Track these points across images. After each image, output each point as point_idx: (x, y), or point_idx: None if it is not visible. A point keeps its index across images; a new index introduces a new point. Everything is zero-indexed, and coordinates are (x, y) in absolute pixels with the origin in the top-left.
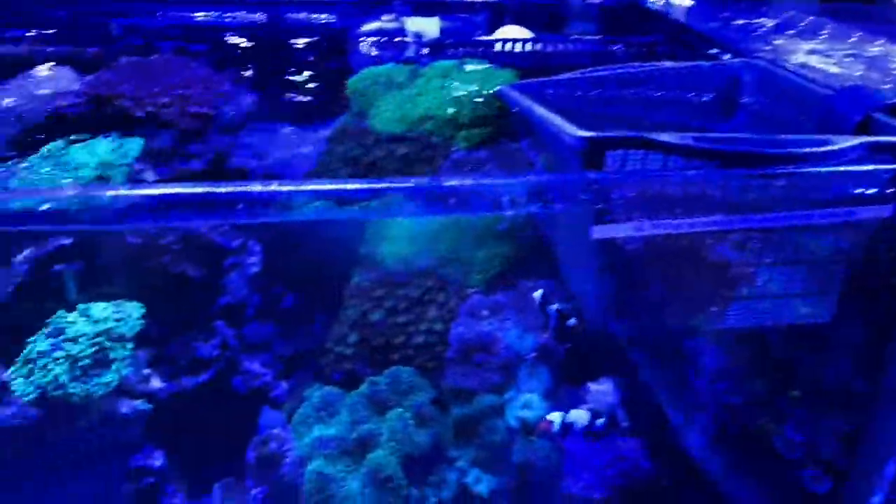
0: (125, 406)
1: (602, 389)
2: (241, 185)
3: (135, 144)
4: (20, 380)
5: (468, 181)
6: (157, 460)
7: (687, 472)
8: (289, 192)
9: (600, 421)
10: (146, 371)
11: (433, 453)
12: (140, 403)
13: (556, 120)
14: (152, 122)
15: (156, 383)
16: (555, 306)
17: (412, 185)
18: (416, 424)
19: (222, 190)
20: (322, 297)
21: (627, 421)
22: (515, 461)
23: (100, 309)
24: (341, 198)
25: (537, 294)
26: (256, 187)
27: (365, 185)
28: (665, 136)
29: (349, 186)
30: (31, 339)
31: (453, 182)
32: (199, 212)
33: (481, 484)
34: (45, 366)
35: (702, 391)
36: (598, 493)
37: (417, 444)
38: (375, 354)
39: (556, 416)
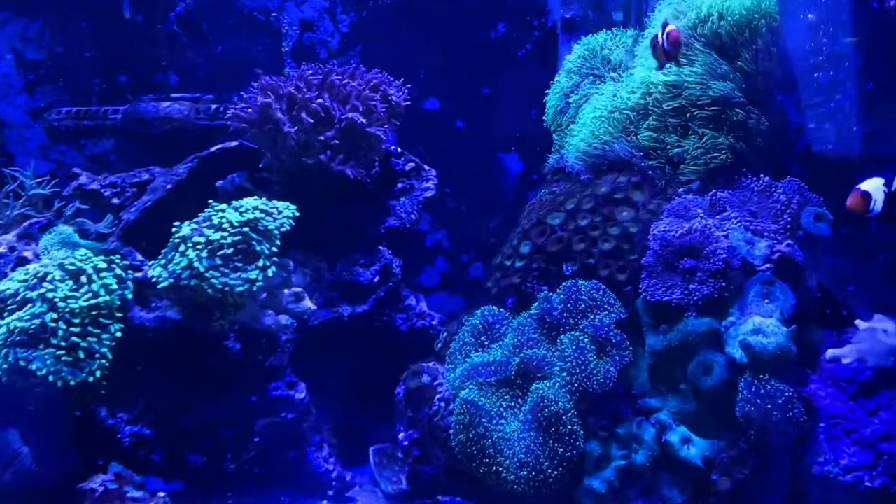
0: (269, 320)
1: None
2: None
3: None
4: (158, 267)
5: None
6: (300, 393)
7: None
8: None
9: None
10: (296, 288)
11: (620, 396)
12: (286, 321)
13: None
14: None
15: (308, 304)
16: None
17: None
18: (595, 352)
19: None
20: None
21: None
22: (740, 415)
23: (249, 202)
24: None
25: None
26: None
27: None
28: None
29: None
30: (177, 224)
31: None
32: None
33: (691, 448)
34: (183, 251)
35: None
36: (875, 480)
37: (597, 379)
38: (550, 266)
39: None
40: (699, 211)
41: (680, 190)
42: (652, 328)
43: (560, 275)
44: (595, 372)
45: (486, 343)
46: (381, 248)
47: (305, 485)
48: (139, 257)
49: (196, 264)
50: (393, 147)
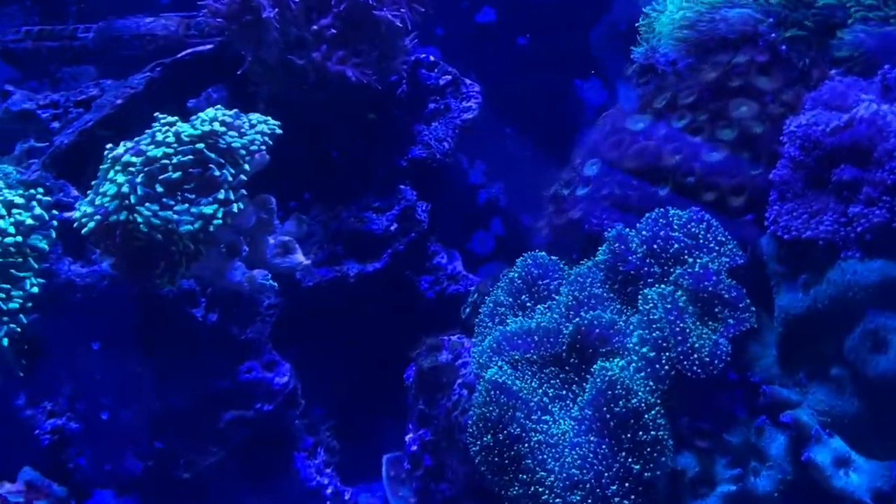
0: (238, 275)
1: None
2: None
3: None
4: (84, 204)
5: None
6: (282, 376)
7: None
8: None
9: None
10: (283, 237)
11: (731, 384)
12: (263, 278)
13: None
14: None
15: (299, 258)
16: None
17: None
18: (696, 316)
19: None
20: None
21: None
22: None
23: (208, 112)
24: None
25: None
26: None
27: None
28: None
29: None
30: (109, 146)
31: None
32: None
33: (851, 474)
34: (112, 178)
35: None
36: None
37: (699, 357)
38: (628, 191)
39: None
40: (865, 97)
41: (833, 72)
42: (786, 279)
43: (643, 204)
44: (696, 346)
45: (528, 304)
46: (401, 186)
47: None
48: (74, 193)
49: (125, 191)
50: (424, 56)
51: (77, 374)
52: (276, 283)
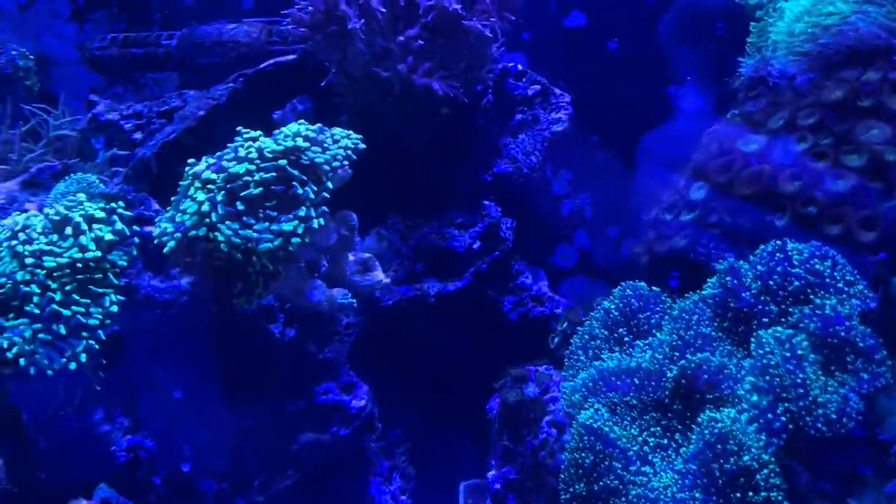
0: (319, 294)
1: None
2: None
3: None
4: (164, 221)
5: None
6: (360, 399)
7: None
8: None
9: None
10: (362, 254)
11: (859, 442)
12: (343, 297)
13: None
14: None
15: (378, 276)
16: None
17: None
18: (819, 365)
19: None
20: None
21: None
22: None
23: (292, 126)
24: None
25: None
26: None
27: None
28: None
29: None
30: (191, 161)
31: None
32: None
33: None
34: (193, 195)
35: None
36: None
37: (825, 412)
38: (739, 219)
39: None
40: None
41: None
42: None
43: (757, 234)
44: (820, 400)
45: (626, 339)
46: (485, 202)
47: None
48: (155, 206)
49: (206, 209)
50: (511, 65)
51: (154, 390)
52: (355, 302)
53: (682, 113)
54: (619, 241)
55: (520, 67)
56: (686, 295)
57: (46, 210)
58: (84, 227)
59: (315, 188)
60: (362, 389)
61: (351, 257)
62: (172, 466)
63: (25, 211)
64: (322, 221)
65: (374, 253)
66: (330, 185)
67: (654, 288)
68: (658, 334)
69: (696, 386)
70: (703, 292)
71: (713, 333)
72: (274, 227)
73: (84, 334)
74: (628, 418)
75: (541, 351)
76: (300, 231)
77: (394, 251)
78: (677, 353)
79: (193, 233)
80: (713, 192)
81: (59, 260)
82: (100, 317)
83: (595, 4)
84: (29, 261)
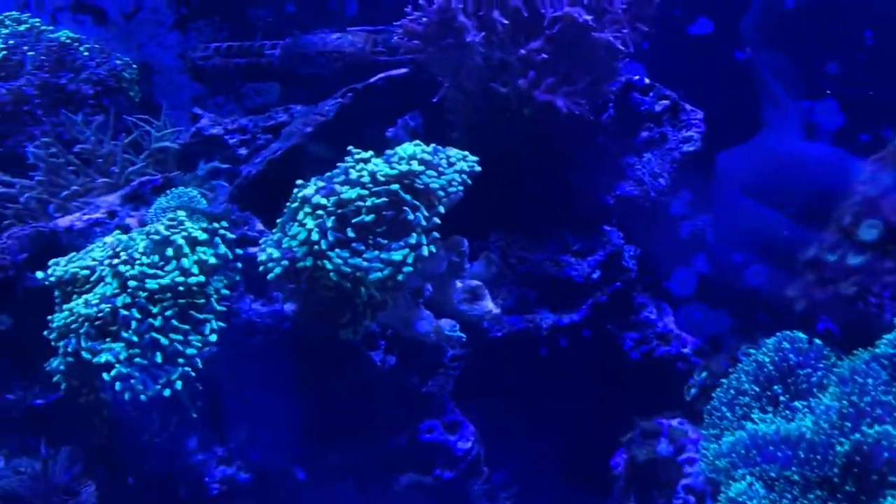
0: (427, 325)
1: None
2: None
3: None
4: (270, 245)
5: None
6: (466, 441)
7: None
8: None
9: None
10: (471, 281)
11: None
12: (451, 329)
13: None
14: None
15: (488, 306)
16: None
17: None
18: None
19: None
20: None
21: None
22: None
23: (406, 148)
24: None
25: None
26: None
27: None
28: None
29: None
30: (299, 183)
31: None
32: None
33: None
34: (301, 220)
35: None
36: None
37: None
38: None
39: None
40: None
41: None
42: None
43: None
44: None
45: (781, 398)
46: (606, 227)
47: None
48: (259, 227)
49: (315, 238)
50: (636, 77)
51: (251, 419)
52: (463, 335)
53: (822, 131)
54: (742, 266)
55: (647, 81)
56: (854, 352)
57: (148, 229)
58: (186, 249)
59: (426, 213)
60: (468, 429)
61: (459, 284)
62: (266, 501)
63: (126, 226)
64: (433, 249)
65: (482, 279)
66: (442, 209)
67: (815, 341)
68: (821, 395)
69: (874, 465)
70: (877, 350)
71: (893, 401)
72: (384, 255)
73: (181, 360)
74: (788, 496)
75: (667, 397)
76: (410, 260)
77: (503, 277)
78: (849, 424)
79: (301, 264)
80: (889, 231)
81: (162, 281)
82: (199, 344)
83: (725, 10)
84: (132, 283)
